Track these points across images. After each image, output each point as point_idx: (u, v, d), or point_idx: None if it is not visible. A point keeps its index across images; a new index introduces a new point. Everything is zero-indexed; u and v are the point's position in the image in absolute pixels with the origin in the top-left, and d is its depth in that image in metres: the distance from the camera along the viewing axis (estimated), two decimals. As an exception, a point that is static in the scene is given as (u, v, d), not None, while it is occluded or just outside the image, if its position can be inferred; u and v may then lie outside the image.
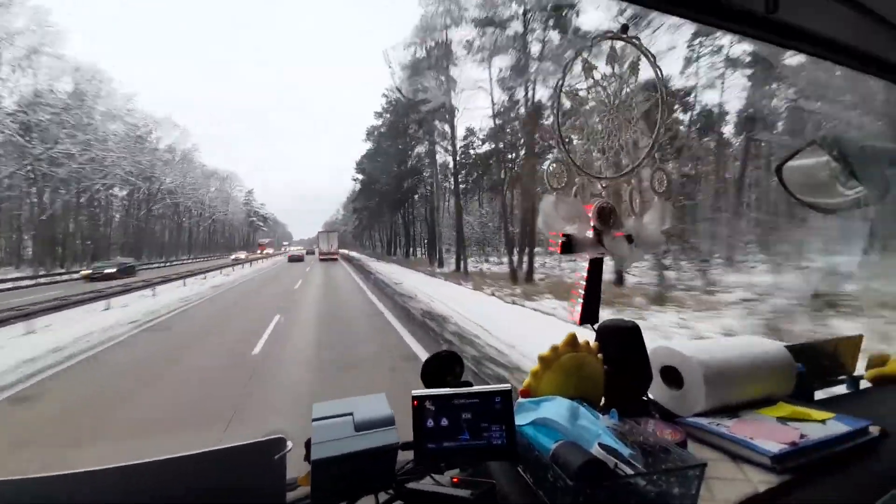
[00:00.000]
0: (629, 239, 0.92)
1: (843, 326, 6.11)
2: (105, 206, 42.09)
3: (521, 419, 0.74)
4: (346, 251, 57.07)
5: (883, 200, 0.90)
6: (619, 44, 0.88)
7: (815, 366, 1.11)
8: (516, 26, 18.58)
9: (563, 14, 16.68)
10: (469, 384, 0.77)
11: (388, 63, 24.53)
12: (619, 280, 13.74)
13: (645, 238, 0.92)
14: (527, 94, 18.85)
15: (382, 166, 35.13)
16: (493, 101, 20.67)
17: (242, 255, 42.96)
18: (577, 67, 0.88)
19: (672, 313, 9.31)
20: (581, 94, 0.90)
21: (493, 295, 13.02)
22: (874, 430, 0.82)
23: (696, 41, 14.79)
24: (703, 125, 15.86)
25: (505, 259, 24.07)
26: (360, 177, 41.13)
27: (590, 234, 0.90)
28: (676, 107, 14.20)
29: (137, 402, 4.48)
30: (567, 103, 0.90)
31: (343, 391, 0.87)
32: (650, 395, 0.96)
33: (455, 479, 0.66)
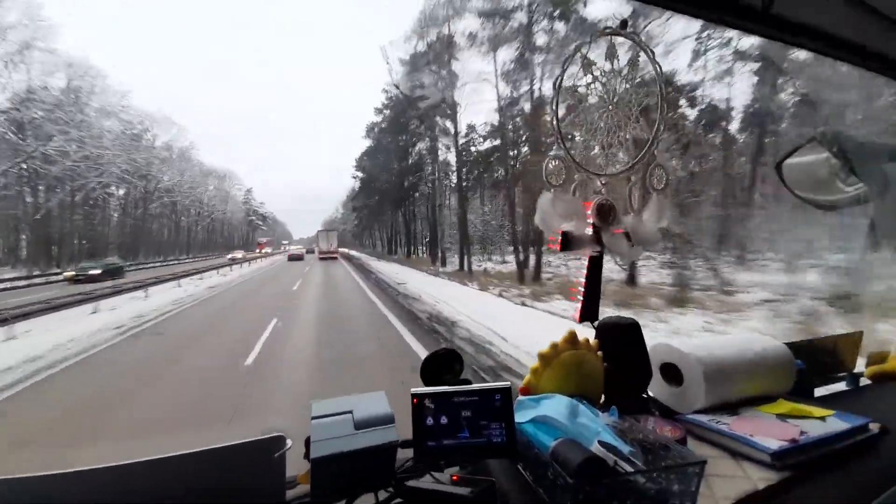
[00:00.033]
0: (628, 236, 0.92)
1: (887, 329, 5.29)
2: (101, 205, 41.42)
3: (520, 417, 0.73)
4: (345, 250, 56.96)
5: (881, 196, 0.90)
6: (618, 39, 0.87)
7: (814, 363, 1.11)
8: (521, 17, 18.02)
9: (570, 4, 16.05)
10: (468, 382, 0.77)
11: (385, 59, 24.29)
12: (632, 280, 13.20)
13: (644, 235, 0.92)
14: (532, 87, 18.39)
15: (383, 163, 34.53)
16: (498, 94, 20.02)
17: (239, 254, 40.97)
18: (576, 63, 0.88)
19: (694, 315, 8.84)
20: (580, 90, 0.89)
21: (500, 296, 12.52)
22: (874, 427, 0.82)
23: (705, 33, 14.07)
24: (711, 120, 15.21)
25: (508, 258, 23.50)
26: (360, 174, 40.65)
27: (589, 231, 0.90)
28: (683, 101, 13.82)
29: (106, 423, 4.01)
30: (566, 99, 0.89)
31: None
32: (650, 393, 0.96)
33: (455, 477, 0.66)
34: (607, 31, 0.87)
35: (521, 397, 0.81)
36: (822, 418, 0.83)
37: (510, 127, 21.69)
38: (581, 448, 0.62)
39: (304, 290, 15.06)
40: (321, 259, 38.40)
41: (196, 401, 4.53)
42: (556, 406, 0.74)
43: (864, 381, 1.20)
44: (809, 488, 0.69)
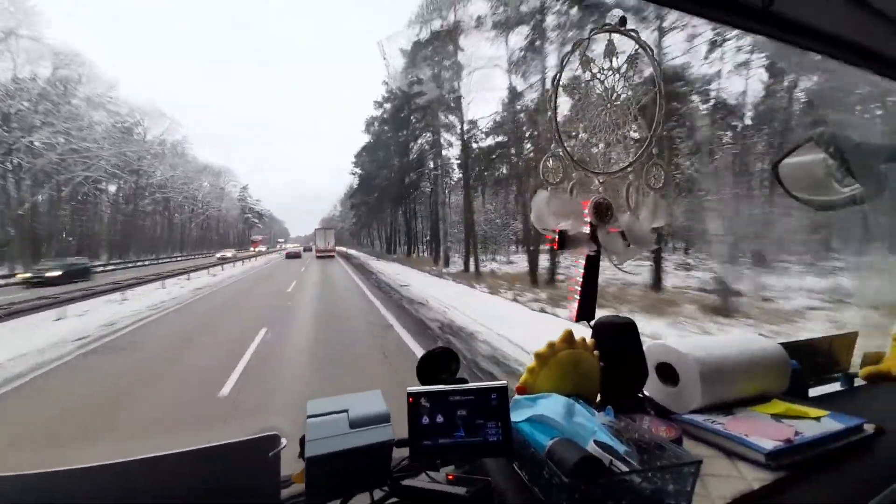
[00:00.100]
0: (624, 235, 0.92)
1: None
2: (90, 201, 40.20)
3: (516, 416, 0.73)
4: (343, 249, 56.83)
5: (878, 197, 0.90)
6: (616, 37, 0.87)
7: (809, 363, 1.11)
8: (533, 1, 16.69)
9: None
10: (464, 381, 0.77)
11: (383, 55, 23.65)
12: (657, 283, 12.10)
13: (638, 235, 0.92)
14: (544, 76, 17.14)
15: (383, 159, 33.59)
16: (510, 81, 18.54)
17: (229, 253, 39.49)
18: (575, 60, 0.87)
19: (745, 328, 7.69)
20: (579, 87, 0.89)
21: (514, 300, 11.40)
22: (869, 427, 0.82)
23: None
24: (726, 115, 14.15)
25: (514, 258, 22.70)
26: (359, 171, 39.88)
27: (586, 230, 0.89)
28: (694, 96, 13.14)
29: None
30: (564, 97, 0.89)
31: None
32: (646, 392, 0.96)
33: (450, 476, 0.66)
34: (606, 28, 0.86)
35: (517, 396, 0.81)
36: (817, 418, 0.84)
37: (520, 119, 20.27)
38: (577, 447, 0.62)
39: (300, 292, 13.81)
40: (318, 258, 38.20)
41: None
42: (552, 405, 0.74)
43: (858, 382, 1.20)
44: (804, 488, 0.69)
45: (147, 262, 37.14)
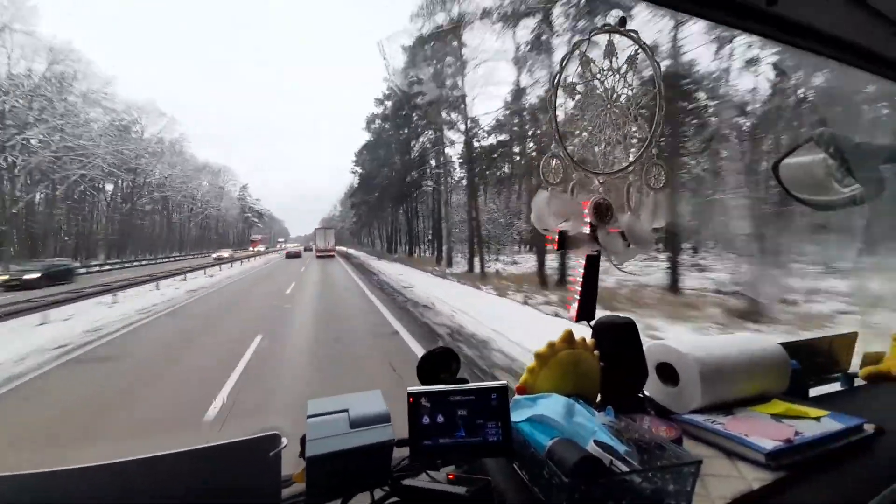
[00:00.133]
0: (624, 236, 0.92)
1: None
2: (87, 200, 39.40)
3: (516, 416, 0.73)
4: (343, 248, 56.72)
5: (878, 197, 0.90)
6: (616, 37, 0.87)
7: (809, 363, 1.11)
8: None
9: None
10: (465, 381, 0.77)
11: (383, 55, 23.30)
12: (674, 285, 11.28)
13: (639, 235, 0.92)
14: (551, 70, 16.43)
15: (384, 157, 32.89)
16: (516, 75, 17.71)
17: (226, 253, 37.51)
18: (575, 61, 0.87)
19: (780, 335, 6.30)
20: (579, 88, 0.89)
21: (525, 303, 10.87)
22: (869, 427, 0.82)
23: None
24: (737, 111, 13.25)
25: (518, 258, 21.97)
26: (359, 170, 39.31)
27: (586, 230, 0.89)
28: (701, 93, 12.53)
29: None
30: (565, 97, 0.89)
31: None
32: (646, 392, 0.96)
33: (451, 476, 0.66)
34: (606, 28, 0.86)
35: (517, 396, 0.81)
36: (817, 418, 0.84)
37: (524, 117, 19.49)
38: (577, 447, 0.62)
39: (299, 293, 13.16)
40: (318, 257, 38.12)
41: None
42: (552, 405, 0.74)
43: (858, 382, 1.21)
44: (804, 488, 0.69)
45: (145, 262, 36.42)
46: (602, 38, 0.87)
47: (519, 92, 18.80)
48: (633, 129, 0.90)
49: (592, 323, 0.99)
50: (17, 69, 30.73)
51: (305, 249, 51.91)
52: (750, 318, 8.21)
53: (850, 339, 1.26)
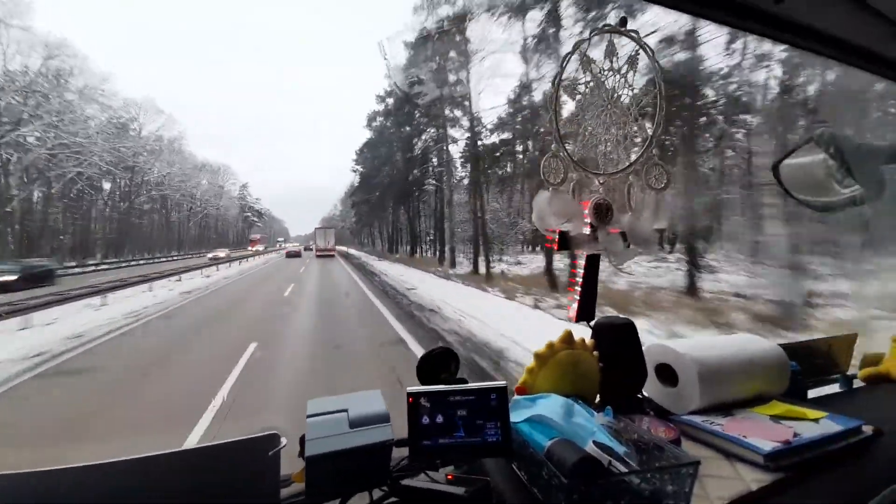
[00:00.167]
0: (624, 236, 0.92)
1: None
2: (84, 198, 38.40)
3: (516, 416, 0.73)
4: (343, 248, 56.65)
5: (879, 198, 0.90)
6: (617, 37, 0.87)
7: (808, 364, 1.11)
8: None
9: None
10: (464, 381, 0.77)
11: (383, 55, 23.06)
12: (692, 287, 10.54)
13: (640, 235, 0.92)
14: (560, 64, 16.67)
15: (385, 155, 32.32)
16: (525, 67, 17.22)
17: (222, 253, 35.95)
18: (576, 61, 0.87)
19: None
20: (579, 88, 0.89)
21: (536, 307, 10.29)
22: (867, 429, 0.82)
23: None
24: (739, 110, 12.77)
25: (522, 258, 21.38)
26: (360, 168, 38.75)
27: (586, 230, 0.90)
28: (709, 90, 12.01)
29: None
30: (565, 97, 0.89)
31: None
32: (645, 393, 0.96)
33: (450, 476, 0.66)
34: (606, 28, 0.86)
35: (516, 397, 0.81)
36: (816, 420, 0.84)
37: (527, 115, 19.04)
38: (576, 448, 0.62)
39: (298, 296, 12.49)
40: (318, 257, 38.03)
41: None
42: (551, 406, 0.74)
43: (857, 383, 1.21)
44: (802, 490, 0.69)
45: (142, 262, 35.42)
46: (603, 39, 0.87)
47: (524, 88, 18.54)
48: (634, 129, 0.90)
49: (592, 323, 0.99)
50: (12, 65, 30.26)
51: (305, 249, 51.96)
52: (781, 325, 7.52)
53: (850, 340, 1.26)
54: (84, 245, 37.82)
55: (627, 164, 0.91)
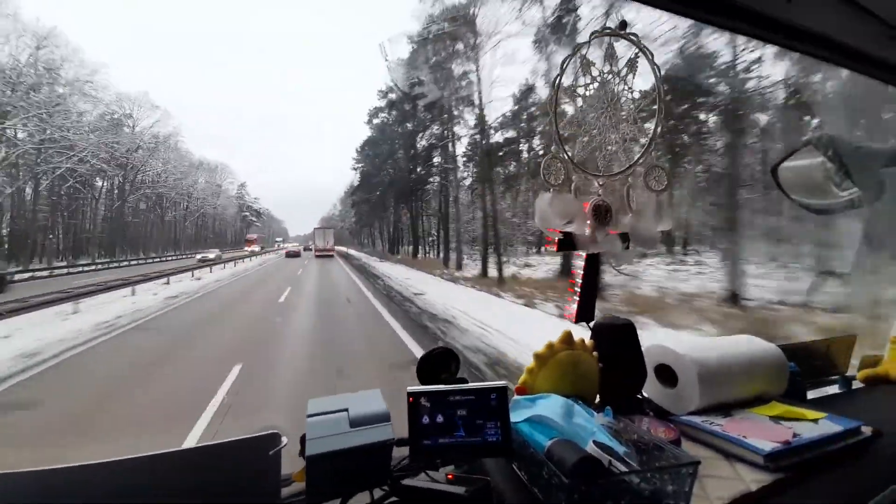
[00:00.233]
0: (624, 237, 0.92)
1: None
2: (73, 196, 37.03)
3: (516, 416, 0.74)
4: (343, 248, 56.55)
5: (877, 201, 0.91)
6: (616, 40, 0.88)
7: (807, 365, 1.11)
8: None
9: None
10: (464, 381, 0.77)
11: (384, 56, 22.49)
12: (732, 294, 9.51)
13: (644, 236, 0.92)
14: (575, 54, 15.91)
15: (387, 153, 31.55)
16: (545, 47, 16.11)
17: (212, 254, 33.47)
18: (575, 63, 0.88)
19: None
20: (579, 90, 0.90)
21: (562, 317, 8.50)
22: (867, 430, 0.82)
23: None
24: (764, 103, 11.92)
25: (531, 260, 20.63)
26: (361, 167, 37.98)
27: (587, 231, 0.90)
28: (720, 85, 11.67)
29: None
30: (565, 99, 0.90)
31: None
32: (645, 394, 0.97)
33: (450, 476, 0.66)
34: (606, 31, 0.87)
35: (516, 397, 0.81)
36: (815, 421, 0.84)
37: (533, 113, 18.54)
38: (576, 448, 0.62)
39: (294, 303, 11.33)
40: (317, 257, 37.94)
41: None
42: (551, 406, 0.74)
43: (856, 385, 1.21)
44: (802, 490, 0.69)
45: (134, 263, 33.78)
46: (603, 41, 0.88)
47: (529, 90, 18.23)
48: (634, 131, 0.90)
49: (592, 324, 0.99)
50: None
51: (305, 249, 51.97)
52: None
53: (848, 342, 1.27)
54: (76, 245, 36.79)
55: (627, 166, 0.91)
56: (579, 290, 0.98)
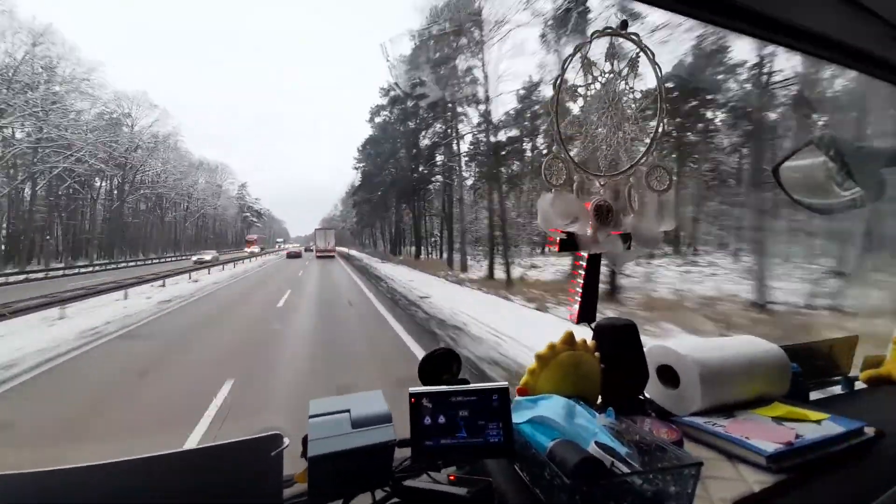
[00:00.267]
0: (626, 237, 0.92)
1: None
2: (73, 197, 36.50)
3: (518, 417, 0.73)
4: (344, 249, 56.47)
5: (879, 200, 0.90)
6: (618, 40, 0.87)
7: (810, 366, 1.11)
8: None
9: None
10: (466, 382, 0.77)
11: (386, 57, 22.26)
12: (761, 302, 8.93)
13: (646, 236, 0.92)
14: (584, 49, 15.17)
15: (389, 152, 31.04)
16: (557, 38, 15.26)
17: (208, 255, 32.19)
18: (577, 63, 0.88)
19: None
20: (580, 90, 0.90)
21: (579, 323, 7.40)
22: (869, 430, 0.82)
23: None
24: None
25: (537, 261, 19.98)
26: (362, 166, 37.54)
27: (588, 231, 0.90)
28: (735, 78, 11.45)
29: None
30: (566, 99, 0.90)
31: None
32: (647, 394, 0.97)
33: (452, 477, 0.66)
34: (607, 31, 0.87)
35: (518, 398, 0.81)
36: (818, 422, 0.84)
37: (537, 111, 18.16)
38: (578, 449, 0.62)
39: (294, 307, 10.70)
40: (318, 258, 37.92)
41: None
42: (553, 407, 0.74)
43: (859, 385, 1.21)
44: (805, 491, 0.69)
45: (132, 264, 33.45)
46: (604, 41, 0.88)
47: (534, 86, 17.90)
48: (636, 131, 0.90)
49: (593, 325, 0.99)
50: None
51: (306, 250, 52.05)
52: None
53: (851, 342, 1.27)
54: (74, 246, 36.41)
55: (628, 165, 0.91)
56: (580, 290, 0.98)
